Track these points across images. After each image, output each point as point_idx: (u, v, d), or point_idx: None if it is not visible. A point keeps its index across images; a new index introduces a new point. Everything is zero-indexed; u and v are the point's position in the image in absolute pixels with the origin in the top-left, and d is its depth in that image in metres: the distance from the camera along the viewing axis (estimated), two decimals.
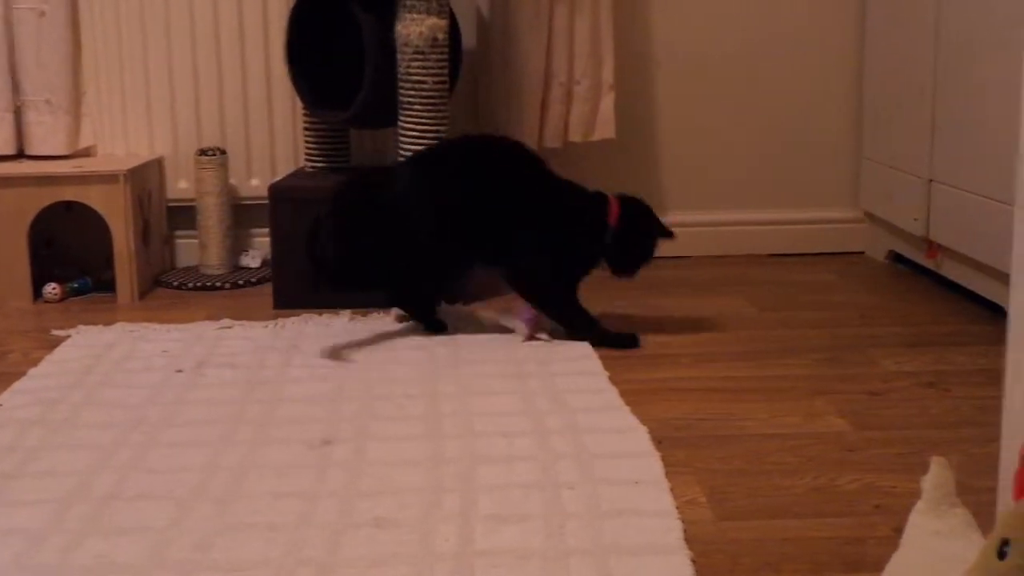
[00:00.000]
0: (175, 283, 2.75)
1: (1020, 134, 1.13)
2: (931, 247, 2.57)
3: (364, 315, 2.41)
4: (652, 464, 1.60)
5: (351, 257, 2.19)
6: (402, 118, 2.49)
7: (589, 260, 2.24)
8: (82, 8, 2.81)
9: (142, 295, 2.65)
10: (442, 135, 2.47)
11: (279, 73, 2.78)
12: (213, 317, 2.42)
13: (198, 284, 2.74)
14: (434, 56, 2.45)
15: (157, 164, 2.84)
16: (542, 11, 2.76)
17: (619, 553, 1.32)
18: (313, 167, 2.77)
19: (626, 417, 1.79)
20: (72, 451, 1.67)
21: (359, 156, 2.86)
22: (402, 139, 2.50)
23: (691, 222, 3.00)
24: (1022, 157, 1.13)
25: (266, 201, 2.58)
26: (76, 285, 2.68)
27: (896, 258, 2.88)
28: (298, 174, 2.76)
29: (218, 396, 1.92)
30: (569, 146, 2.86)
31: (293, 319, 2.39)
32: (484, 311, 2.41)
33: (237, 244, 2.89)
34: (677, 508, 1.45)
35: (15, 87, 2.77)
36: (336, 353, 2.15)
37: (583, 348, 2.16)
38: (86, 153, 2.86)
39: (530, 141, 2.79)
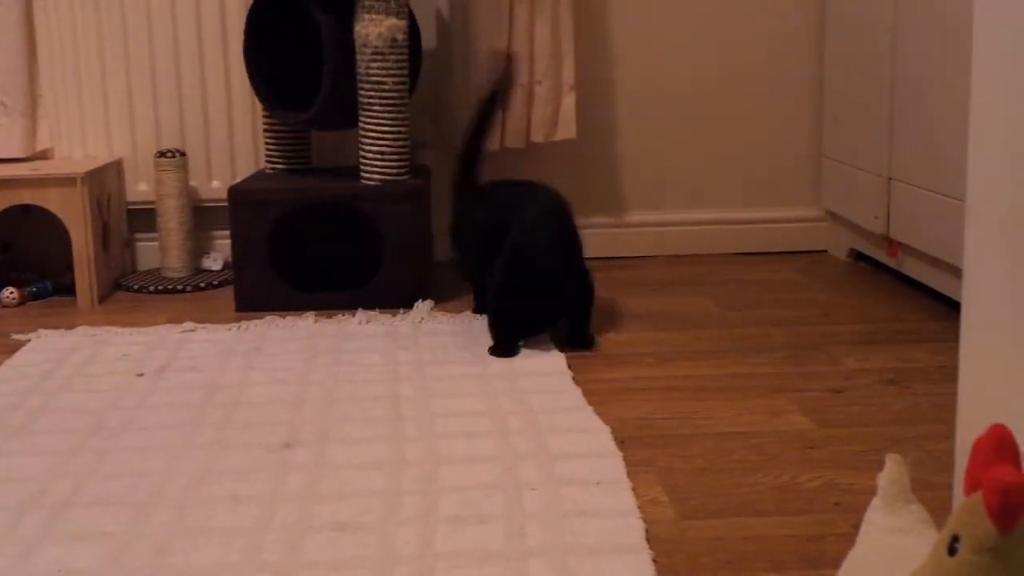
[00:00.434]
0: (136, 286, 2.73)
1: (970, 132, 1.14)
2: (891, 245, 2.59)
3: (328, 317, 2.40)
4: (614, 464, 1.60)
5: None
6: (362, 119, 2.48)
7: None
8: (37, 9, 2.78)
9: (102, 299, 2.63)
10: (403, 136, 2.46)
11: (238, 74, 2.76)
12: (175, 320, 2.40)
13: (159, 287, 2.72)
14: (393, 57, 2.44)
15: (116, 166, 2.82)
16: (502, 12, 2.75)
17: (580, 554, 1.32)
18: (273, 169, 2.75)
19: (589, 417, 1.79)
20: (28, 457, 1.66)
21: (320, 157, 2.85)
22: (362, 140, 2.49)
23: (653, 221, 3.02)
24: (972, 155, 1.14)
25: (227, 203, 2.56)
26: (35, 289, 2.65)
27: (858, 256, 2.89)
28: (258, 176, 2.74)
29: (179, 400, 1.91)
30: (531, 147, 2.86)
31: (256, 322, 2.38)
32: None
33: (198, 246, 2.87)
34: (639, 508, 1.45)
35: None
36: (299, 356, 2.14)
37: (547, 347, 2.16)
38: (43, 156, 2.83)
39: (492, 142, 2.79)
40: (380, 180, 2.49)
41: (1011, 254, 1.08)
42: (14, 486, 1.55)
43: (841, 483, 1.55)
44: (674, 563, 1.32)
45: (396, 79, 2.45)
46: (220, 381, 2.00)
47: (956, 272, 2.24)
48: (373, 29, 2.42)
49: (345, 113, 2.52)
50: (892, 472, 1.04)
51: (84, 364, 2.11)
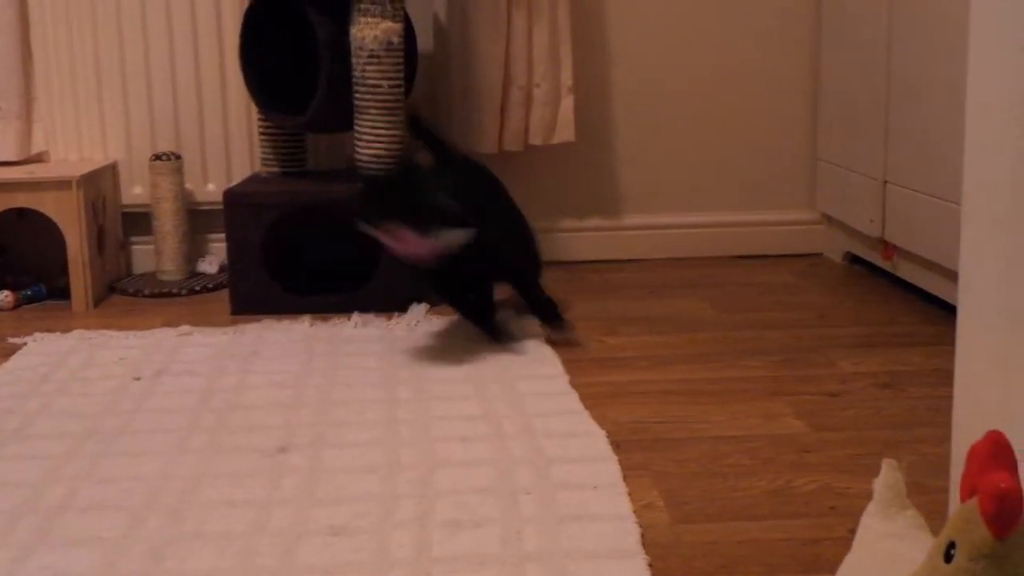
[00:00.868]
0: (131, 290, 2.72)
1: (966, 136, 1.14)
2: (887, 248, 2.59)
3: (324, 320, 2.40)
4: (610, 468, 1.60)
5: None
6: (357, 122, 2.48)
7: None
8: (32, 12, 2.77)
9: (97, 302, 2.63)
10: (397, 138, 2.46)
11: (234, 76, 2.76)
12: (170, 324, 2.40)
13: (154, 291, 2.71)
14: (389, 60, 2.44)
15: (111, 169, 2.81)
16: (500, 15, 2.75)
17: (576, 558, 1.32)
18: (269, 172, 2.75)
19: (584, 421, 1.79)
20: (24, 461, 1.65)
21: (315, 160, 2.84)
22: (358, 143, 2.49)
23: (649, 224, 3.01)
24: (968, 158, 1.14)
25: (222, 206, 2.56)
26: (29, 292, 2.64)
27: (853, 259, 2.90)
28: (254, 179, 2.74)
29: (175, 404, 1.90)
30: (529, 149, 2.86)
31: (253, 325, 2.37)
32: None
33: (194, 250, 2.86)
34: (634, 512, 1.45)
35: None
36: (295, 359, 2.13)
37: (543, 351, 2.16)
38: (38, 159, 2.82)
39: (490, 145, 2.79)
40: None
41: (1006, 257, 1.08)
42: (9, 490, 1.54)
43: (836, 487, 1.55)
44: (669, 567, 1.32)
45: (392, 82, 2.45)
46: (216, 385, 2.00)
47: (952, 275, 2.24)
48: (369, 32, 2.41)
49: (340, 116, 2.52)
50: (888, 476, 1.04)
51: (80, 368, 2.11)
